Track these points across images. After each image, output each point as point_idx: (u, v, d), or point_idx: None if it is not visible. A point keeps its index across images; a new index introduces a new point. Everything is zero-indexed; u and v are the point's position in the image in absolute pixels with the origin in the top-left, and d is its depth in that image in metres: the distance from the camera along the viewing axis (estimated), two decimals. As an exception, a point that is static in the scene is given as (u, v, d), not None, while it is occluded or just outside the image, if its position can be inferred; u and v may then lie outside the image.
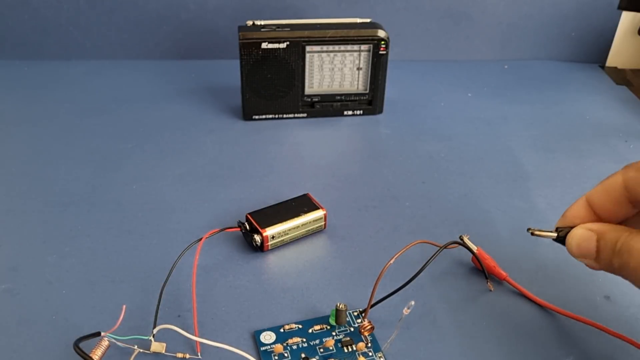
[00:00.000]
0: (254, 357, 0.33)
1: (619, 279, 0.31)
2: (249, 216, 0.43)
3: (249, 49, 0.56)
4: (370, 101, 0.61)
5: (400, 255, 0.36)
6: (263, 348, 0.35)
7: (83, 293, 0.39)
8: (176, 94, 0.65)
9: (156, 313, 0.36)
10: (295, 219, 0.43)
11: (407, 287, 0.37)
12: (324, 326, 0.37)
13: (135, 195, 0.49)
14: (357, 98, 0.61)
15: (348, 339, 0.36)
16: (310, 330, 0.36)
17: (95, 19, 0.70)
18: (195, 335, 0.35)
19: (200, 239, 0.40)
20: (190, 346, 0.35)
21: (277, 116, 0.60)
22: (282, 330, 0.36)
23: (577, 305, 0.38)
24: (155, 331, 0.35)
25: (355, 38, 0.57)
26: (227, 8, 0.70)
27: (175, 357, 0.34)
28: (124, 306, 0.35)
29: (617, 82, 0.71)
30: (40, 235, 0.44)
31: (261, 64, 0.57)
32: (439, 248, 0.39)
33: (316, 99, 0.60)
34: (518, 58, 0.75)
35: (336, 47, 0.58)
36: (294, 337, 0.36)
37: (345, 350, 0.35)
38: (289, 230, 0.43)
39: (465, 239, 0.41)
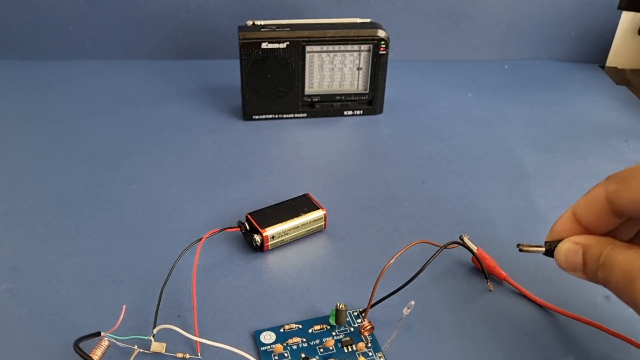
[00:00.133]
0: (254, 357, 0.33)
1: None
2: (249, 216, 0.43)
3: (249, 49, 0.56)
4: (370, 101, 0.61)
5: (400, 255, 0.36)
6: (263, 348, 0.35)
7: (83, 293, 0.39)
8: (176, 94, 0.65)
9: (156, 313, 0.36)
10: (295, 219, 0.43)
11: (407, 287, 0.37)
12: (324, 326, 0.37)
13: (135, 195, 0.49)
14: (357, 98, 0.61)
15: (348, 339, 0.36)
16: (310, 330, 0.36)
17: (95, 19, 0.70)
18: (195, 335, 0.35)
19: (200, 239, 0.40)
20: (190, 346, 0.35)
21: (277, 116, 0.60)
22: (282, 330, 0.36)
23: (577, 305, 0.38)
24: (155, 331, 0.35)
25: (355, 38, 0.57)
26: (227, 8, 0.70)
27: (175, 357, 0.34)
28: (124, 306, 0.35)
29: (617, 82, 0.71)
30: (40, 235, 0.44)
31: (261, 64, 0.57)
32: (439, 248, 0.39)
33: (316, 99, 0.60)
34: (518, 58, 0.75)
35: (336, 47, 0.58)
36: (294, 337, 0.36)
37: (345, 350, 0.35)
38: (289, 230, 0.43)
39: (465, 239, 0.41)
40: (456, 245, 0.40)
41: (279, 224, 0.42)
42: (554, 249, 0.34)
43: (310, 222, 0.44)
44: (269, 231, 0.42)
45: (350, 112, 0.61)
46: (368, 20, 0.59)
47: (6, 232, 0.44)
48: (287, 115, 0.60)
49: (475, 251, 0.40)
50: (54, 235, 0.44)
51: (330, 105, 0.61)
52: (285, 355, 0.35)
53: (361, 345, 0.35)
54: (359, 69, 0.59)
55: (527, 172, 0.53)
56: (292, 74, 0.58)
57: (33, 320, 0.37)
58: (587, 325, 0.37)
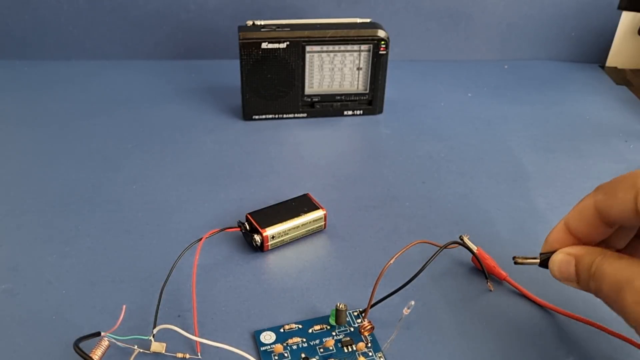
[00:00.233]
0: (254, 357, 0.33)
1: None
2: (249, 216, 0.43)
3: (249, 49, 0.56)
4: (370, 101, 0.61)
5: (400, 255, 0.36)
6: (263, 348, 0.35)
7: (83, 293, 0.39)
8: (176, 94, 0.65)
9: (156, 313, 0.36)
10: (295, 219, 0.43)
11: (407, 287, 0.37)
12: (324, 326, 0.37)
13: (135, 195, 0.49)
14: (357, 98, 0.61)
15: (348, 339, 0.36)
16: (310, 330, 0.36)
17: (95, 19, 0.70)
18: (195, 335, 0.35)
19: (200, 239, 0.40)
20: (190, 346, 0.35)
21: (277, 116, 0.60)
22: (282, 330, 0.36)
23: (577, 305, 0.38)
24: (155, 331, 0.35)
25: (355, 38, 0.57)
26: (227, 8, 0.70)
27: (175, 357, 0.34)
28: (124, 306, 0.35)
29: (617, 82, 0.71)
30: (40, 235, 0.44)
31: (261, 64, 0.57)
32: (439, 248, 0.39)
33: (316, 99, 0.60)
34: (518, 58, 0.75)
35: (336, 47, 0.58)
36: (294, 337, 0.36)
37: (345, 350, 0.35)
38: (289, 230, 0.43)
39: (465, 239, 0.41)
40: (456, 245, 0.40)
41: (279, 224, 0.42)
42: (548, 260, 0.34)
43: (310, 222, 0.44)
44: (269, 231, 0.42)
45: (350, 112, 0.61)
46: (368, 20, 0.59)
47: (6, 232, 0.44)
48: (287, 115, 0.60)
49: (475, 251, 0.40)
50: (54, 235, 0.44)
51: (330, 105, 0.61)
52: (285, 355, 0.35)
53: (361, 345, 0.35)
54: (359, 69, 0.59)
55: (527, 172, 0.53)
56: (292, 74, 0.58)
57: (33, 320, 0.37)
58: (587, 325, 0.37)
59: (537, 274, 0.41)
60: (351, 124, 0.61)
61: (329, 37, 0.57)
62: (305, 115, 0.61)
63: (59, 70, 0.69)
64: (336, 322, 0.36)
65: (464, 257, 0.42)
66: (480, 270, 0.41)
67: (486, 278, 0.40)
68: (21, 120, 0.60)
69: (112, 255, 0.42)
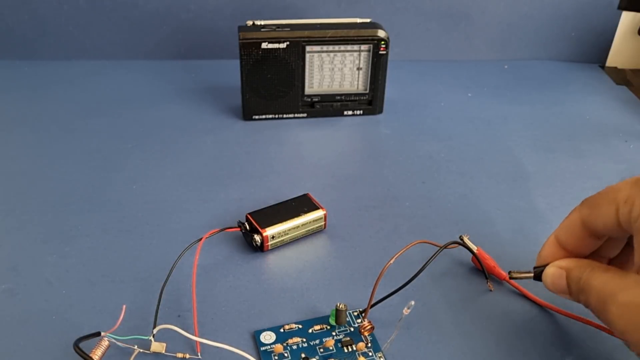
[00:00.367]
0: (254, 357, 0.33)
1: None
2: (249, 216, 0.43)
3: (249, 49, 0.56)
4: (370, 101, 0.61)
5: (400, 255, 0.36)
6: (263, 348, 0.35)
7: (83, 293, 0.39)
8: (176, 94, 0.65)
9: (156, 313, 0.36)
10: (295, 219, 0.43)
11: (407, 287, 0.37)
12: (324, 326, 0.37)
13: (135, 195, 0.49)
14: (357, 98, 0.61)
15: (348, 339, 0.36)
16: (310, 330, 0.36)
17: (95, 19, 0.70)
18: (195, 335, 0.35)
19: (200, 239, 0.40)
20: (190, 346, 0.35)
21: (277, 116, 0.60)
22: (282, 330, 0.36)
23: (577, 305, 0.38)
24: (155, 331, 0.35)
25: (355, 38, 0.57)
26: (227, 8, 0.70)
27: (175, 357, 0.34)
28: (124, 306, 0.35)
29: (617, 82, 0.71)
30: (40, 235, 0.44)
31: (261, 64, 0.57)
32: (439, 248, 0.39)
33: (316, 99, 0.60)
34: (518, 58, 0.75)
35: (336, 47, 0.58)
36: (294, 337, 0.36)
37: (345, 350, 0.35)
38: (289, 230, 0.43)
39: (465, 239, 0.41)
40: (456, 245, 0.40)
41: (279, 224, 0.42)
42: (542, 273, 0.35)
43: (310, 222, 0.44)
44: (269, 231, 0.42)
45: (350, 112, 0.61)
46: (368, 20, 0.59)
47: (6, 232, 0.44)
48: (287, 115, 0.60)
49: (475, 251, 0.40)
50: (54, 235, 0.44)
51: (330, 105, 0.61)
52: (285, 355, 0.35)
53: (361, 345, 0.35)
54: (359, 69, 0.59)
55: (527, 172, 0.53)
56: (292, 74, 0.58)
57: (33, 320, 0.37)
58: (587, 325, 0.37)
59: (537, 274, 0.41)
60: (351, 124, 0.61)
61: (329, 37, 0.57)
62: (305, 115, 0.61)
63: (59, 70, 0.69)
64: (336, 322, 0.36)
65: (464, 257, 0.42)
66: (480, 270, 0.41)
67: (486, 278, 0.40)
68: (21, 120, 0.60)
69: (112, 255, 0.42)
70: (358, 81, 0.60)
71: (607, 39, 0.73)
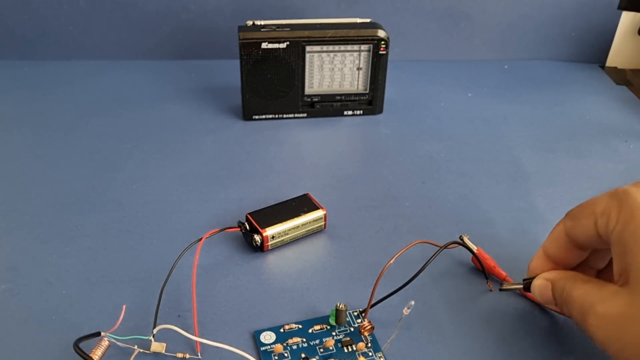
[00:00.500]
0: (254, 357, 0.33)
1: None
2: (249, 216, 0.43)
3: (249, 49, 0.56)
4: (370, 101, 0.61)
5: (400, 255, 0.36)
6: (263, 348, 0.35)
7: (83, 293, 0.39)
8: (176, 94, 0.65)
9: (156, 313, 0.36)
10: (295, 219, 0.43)
11: (407, 287, 0.37)
12: (324, 326, 0.37)
13: (135, 195, 0.49)
14: (357, 98, 0.61)
15: (348, 339, 0.36)
16: (310, 330, 0.36)
17: (95, 19, 0.70)
18: (195, 335, 0.35)
19: (200, 239, 0.40)
20: (190, 346, 0.35)
21: (277, 116, 0.60)
22: (282, 330, 0.36)
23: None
24: (155, 331, 0.35)
25: (355, 38, 0.57)
26: (227, 8, 0.70)
27: (175, 357, 0.34)
28: (124, 306, 0.35)
29: (617, 82, 0.71)
30: (40, 235, 0.44)
31: (261, 64, 0.57)
32: (439, 248, 0.39)
33: (316, 99, 0.60)
34: (518, 58, 0.75)
35: (336, 47, 0.58)
36: (294, 337, 0.36)
37: (345, 350, 0.35)
38: (289, 230, 0.43)
39: (465, 239, 0.41)
40: (456, 245, 0.40)
41: (279, 224, 0.42)
42: (530, 285, 0.36)
43: (310, 222, 0.44)
44: (269, 231, 0.42)
45: (350, 112, 0.61)
46: (368, 20, 0.59)
47: (6, 232, 0.44)
48: (287, 115, 0.60)
49: (475, 251, 0.40)
50: (54, 235, 0.44)
51: (330, 105, 0.61)
52: (285, 355, 0.35)
53: (361, 345, 0.35)
54: (359, 69, 0.59)
55: (527, 172, 0.53)
56: (292, 74, 0.58)
57: (33, 320, 0.37)
58: (587, 325, 0.37)
59: (537, 274, 0.41)
60: (351, 124, 0.61)
61: (329, 37, 0.57)
62: (305, 115, 0.61)
63: (59, 70, 0.69)
64: (336, 322, 0.36)
65: (464, 257, 0.42)
66: (480, 270, 0.41)
67: (486, 278, 0.40)
68: (21, 120, 0.60)
69: (112, 255, 0.42)
70: (358, 81, 0.60)
71: (607, 39, 0.73)
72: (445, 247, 0.39)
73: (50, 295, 0.39)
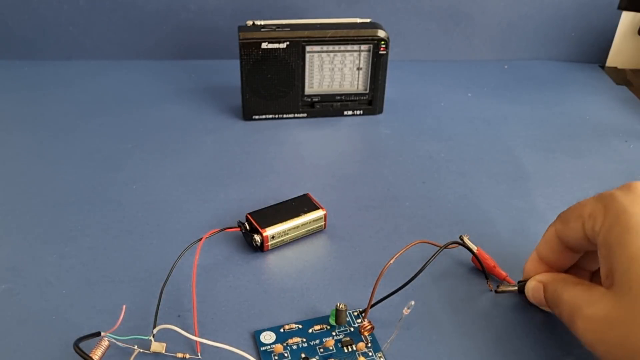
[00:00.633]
0: (254, 357, 0.33)
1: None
2: (249, 216, 0.43)
3: (249, 49, 0.56)
4: (370, 101, 0.61)
5: (400, 255, 0.36)
6: (263, 348, 0.35)
7: (83, 293, 0.39)
8: (176, 94, 0.65)
9: (156, 313, 0.36)
10: (295, 219, 0.43)
11: (407, 287, 0.37)
12: (324, 326, 0.37)
13: (136, 195, 0.49)
14: (357, 98, 0.61)
15: (348, 339, 0.36)
16: (310, 330, 0.36)
17: (95, 19, 0.70)
18: (195, 335, 0.35)
19: (200, 239, 0.40)
20: (190, 346, 0.35)
21: (277, 116, 0.60)
22: (282, 330, 0.36)
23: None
24: (155, 331, 0.35)
25: (355, 38, 0.57)
26: (227, 8, 0.70)
27: (175, 357, 0.34)
28: (124, 306, 0.35)
29: (617, 82, 0.71)
30: (40, 235, 0.44)
31: (261, 64, 0.57)
32: (439, 248, 0.39)
33: (316, 99, 0.60)
34: (518, 58, 0.75)
35: (336, 47, 0.58)
36: (294, 337, 0.36)
37: (345, 350, 0.35)
38: (289, 230, 0.43)
39: (465, 239, 0.41)
40: (456, 245, 0.40)
41: (279, 224, 0.42)
42: (524, 287, 0.37)
43: (310, 222, 0.44)
44: (269, 231, 0.42)
45: (350, 112, 0.61)
46: (368, 20, 0.59)
47: (6, 232, 0.44)
48: (287, 115, 0.60)
49: (475, 251, 0.40)
50: (54, 235, 0.44)
51: (330, 105, 0.61)
52: (285, 355, 0.35)
53: (361, 345, 0.35)
54: (359, 69, 0.59)
55: (527, 172, 0.53)
56: (292, 74, 0.58)
57: (33, 320, 0.37)
58: (587, 325, 0.37)
59: (537, 274, 0.41)
60: (351, 124, 0.61)
61: (329, 37, 0.57)
62: (305, 115, 0.61)
63: (59, 70, 0.69)
64: (336, 322, 0.36)
65: (464, 257, 0.42)
66: (480, 270, 0.41)
67: (486, 278, 0.40)
68: (21, 121, 0.60)
69: (112, 255, 0.42)
70: (358, 81, 0.60)
71: (607, 39, 0.73)
72: (445, 247, 0.39)
73: (50, 295, 0.39)
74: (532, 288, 0.36)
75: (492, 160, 0.55)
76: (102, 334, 0.34)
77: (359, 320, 0.37)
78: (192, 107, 0.63)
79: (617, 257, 0.30)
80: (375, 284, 0.36)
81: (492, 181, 0.51)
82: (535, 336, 0.36)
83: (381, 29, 0.58)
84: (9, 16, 0.69)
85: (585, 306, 0.31)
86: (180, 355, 0.34)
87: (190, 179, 0.51)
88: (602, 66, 0.75)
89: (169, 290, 0.38)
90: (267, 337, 0.36)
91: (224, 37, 0.70)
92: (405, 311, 0.34)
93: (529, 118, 0.62)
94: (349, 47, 0.58)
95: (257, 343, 0.35)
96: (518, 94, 0.67)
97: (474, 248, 0.41)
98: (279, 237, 0.42)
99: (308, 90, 0.60)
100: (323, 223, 0.44)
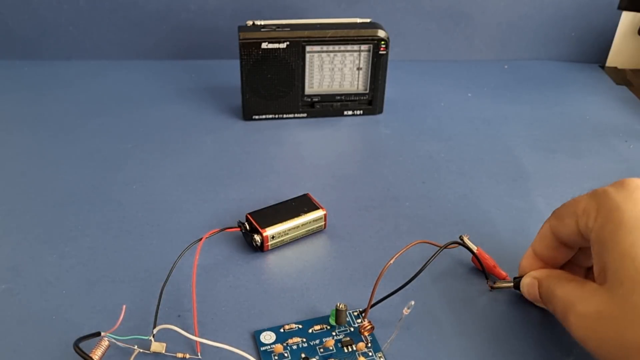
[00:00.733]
0: (254, 357, 0.33)
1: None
2: (249, 216, 0.43)
3: (249, 49, 0.56)
4: (370, 101, 0.61)
5: (400, 255, 0.36)
6: (263, 348, 0.35)
7: (83, 293, 0.39)
8: (176, 94, 0.65)
9: (156, 313, 0.36)
10: (295, 219, 0.43)
11: (407, 287, 0.37)
12: (324, 326, 0.37)
13: (135, 195, 0.49)
14: (357, 98, 0.61)
15: (348, 339, 0.36)
16: (310, 330, 0.36)
17: (95, 19, 0.70)
18: (195, 335, 0.35)
19: (200, 239, 0.40)
20: (190, 346, 0.35)
21: (277, 116, 0.60)
22: (282, 330, 0.36)
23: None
24: (155, 331, 0.35)
25: (355, 38, 0.57)
26: (227, 8, 0.70)
27: (175, 357, 0.34)
28: (124, 306, 0.35)
29: (617, 82, 0.71)
30: (40, 235, 0.44)
31: (261, 64, 0.57)
32: (439, 248, 0.39)
33: (316, 99, 0.60)
34: (518, 58, 0.75)
35: (336, 47, 0.58)
36: (294, 337, 0.36)
37: (345, 350, 0.35)
38: (289, 230, 0.43)
39: (465, 239, 0.41)
40: (456, 245, 0.40)
41: (279, 224, 0.42)
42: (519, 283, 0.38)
43: (310, 222, 0.44)
44: (269, 231, 0.42)
45: (350, 112, 0.61)
46: (368, 20, 0.59)
47: (6, 232, 0.44)
48: (287, 115, 0.60)
49: (475, 251, 0.40)
50: (54, 235, 0.44)
51: (330, 105, 0.60)
52: (285, 355, 0.35)
53: (361, 345, 0.35)
54: (359, 69, 0.59)
55: (527, 172, 0.53)
56: (292, 74, 0.58)
57: (33, 320, 0.37)
58: (587, 325, 0.37)
59: (537, 274, 0.41)
60: (351, 124, 0.61)
61: (329, 37, 0.57)
62: (305, 115, 0.61)
63: (59, 70, 0.69)
64: (336, 322, 0.36)
65: (464, 257, 0.42)
66: (480, 270, 0.41)
67: (486, 278, 0.40)
68: (21, 121, 0.60)
69: (112, 255, 0.42)
70: (358, 81, 0.60)
71: (607, 39, 0.73)
72: (445, 247, 0.39)
73: (50, 295, 0.39)
74: (527, 284, 0.37)
75: (492, 160, 0.55)
76: (102, 334, 0.34)
77: (359, 320, 0.37)
78: (192, 107, 0.63)
79: (609, 254, 0.30)
80: (375, 284, 0.36)
81: (492, 181, 0.51)
82: (534, 336, 0.36)
83: (381, 29, 0.58)
84: (9, 16, 0.69)
85: (577, 302, 0.31)
86: (180, 355, 0.34)
87: (190, 179, 0.51)
88: (602, 66, 0.75)
89: (169, 290, 0.38)
90: (267, 337, 0.36)
91: (224, 37, 0.70)
92: (405, 311, 0.34)
93: (529, 118, 0.62)
94: (349, 47, 0.58)
95: (257, 343, 0.35)
96: (518, 94, 0.67)
97: (474, 248, 0.41)
98: (279, 237, 0.42)
99: (308, 90, 0.60)
100: (323, 223, 0.44)
